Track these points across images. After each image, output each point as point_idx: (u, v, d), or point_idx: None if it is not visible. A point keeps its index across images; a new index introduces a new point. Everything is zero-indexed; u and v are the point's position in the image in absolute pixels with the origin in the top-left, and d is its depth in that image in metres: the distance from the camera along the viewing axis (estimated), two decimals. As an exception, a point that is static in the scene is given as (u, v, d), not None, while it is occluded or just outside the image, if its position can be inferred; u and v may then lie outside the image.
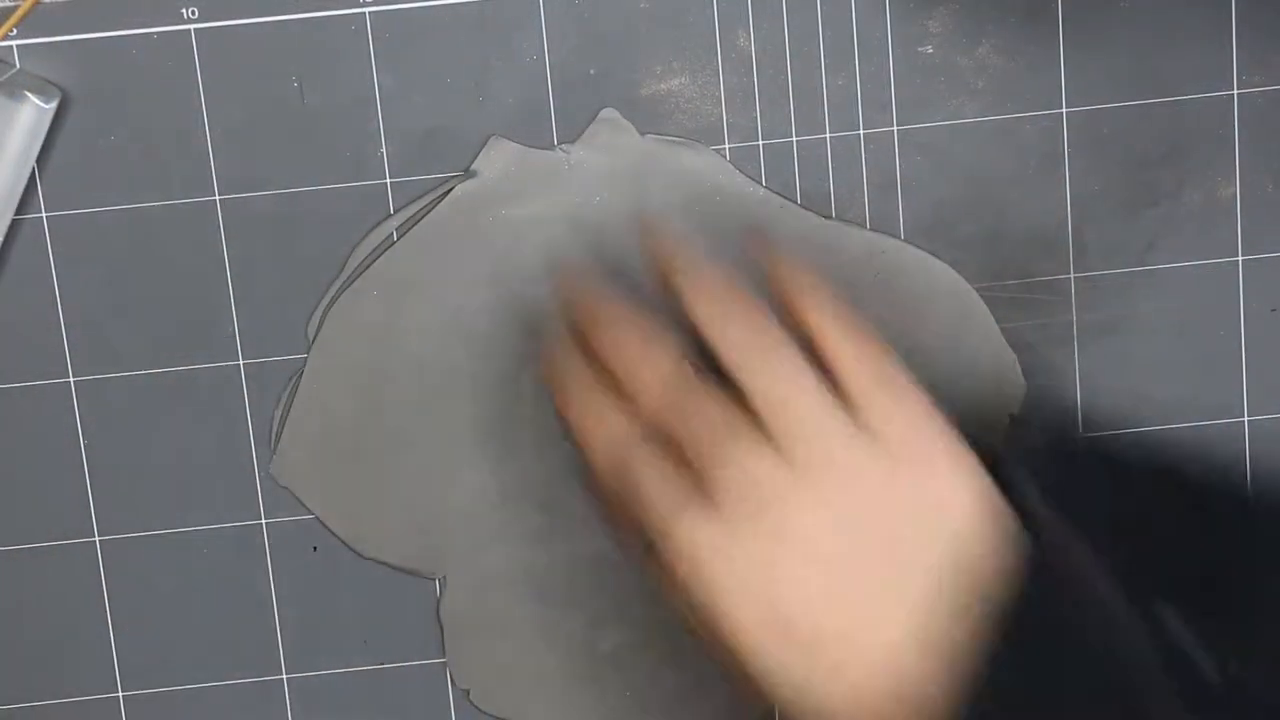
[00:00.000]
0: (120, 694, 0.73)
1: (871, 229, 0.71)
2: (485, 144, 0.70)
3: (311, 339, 0.71)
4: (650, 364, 0.61)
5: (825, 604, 0.57)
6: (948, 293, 0.72)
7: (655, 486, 0.59)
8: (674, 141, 0.70)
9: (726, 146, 0.70)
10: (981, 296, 0.71)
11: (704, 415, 0.59)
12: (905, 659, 0.57)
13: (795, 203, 0.71)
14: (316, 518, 0.72)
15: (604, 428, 0.61)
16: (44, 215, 0.69)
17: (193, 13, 0.68)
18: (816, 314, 0.60)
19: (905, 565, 0.58)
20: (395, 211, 0.70)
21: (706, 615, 0.59)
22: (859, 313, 0.61)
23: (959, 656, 0.57)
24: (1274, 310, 0.72)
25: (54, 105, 0.68)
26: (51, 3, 0.68)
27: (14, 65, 0.68)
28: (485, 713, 0.74)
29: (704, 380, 0.60)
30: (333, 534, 0.72)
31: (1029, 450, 0.69)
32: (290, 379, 0.71)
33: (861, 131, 0.70)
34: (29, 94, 0.67)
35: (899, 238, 0.71)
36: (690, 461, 0.59)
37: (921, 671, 0.57)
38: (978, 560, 0.58)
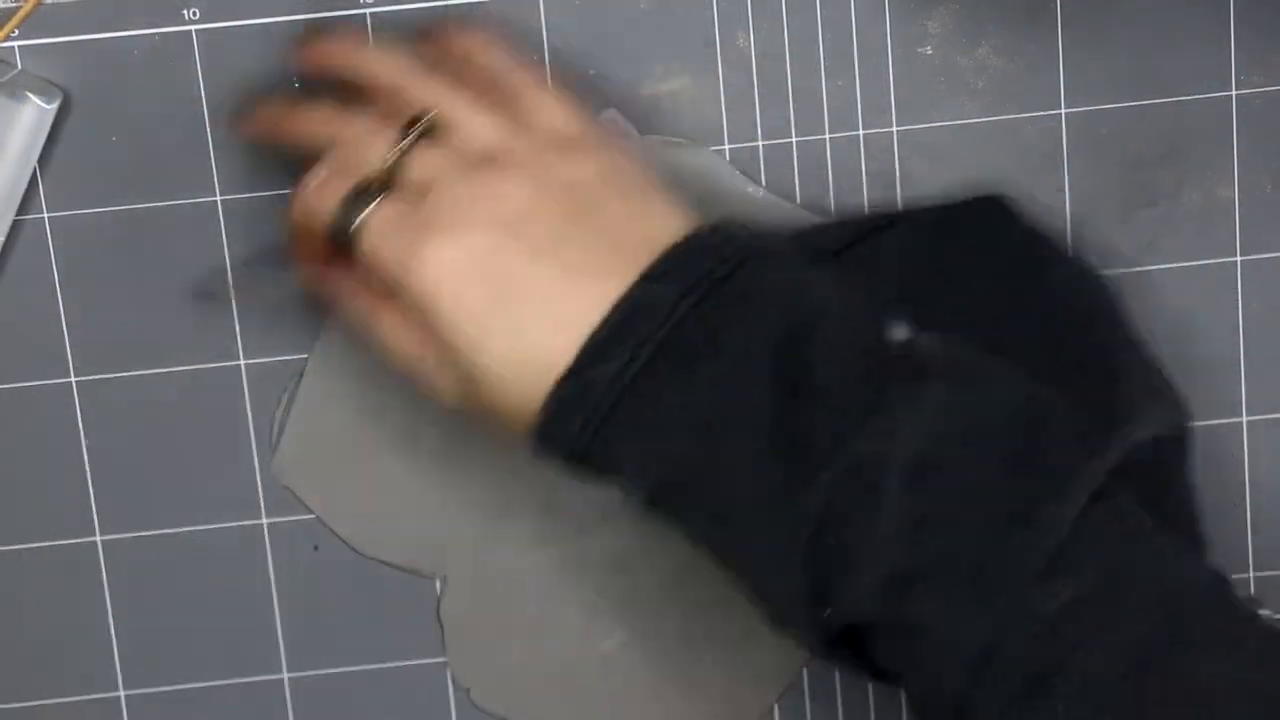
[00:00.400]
0: (122, 693, 0.73)
1: (871, 229, 0.71)
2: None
3: (312, 339, 0.71)
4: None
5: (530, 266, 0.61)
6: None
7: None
8: (674, 142, 0.70)
9: (726, 147, 0.71)
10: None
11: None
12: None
13: (795, 204, 0.71)
14: (317, 517, 0.72)
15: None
16: (45, 215, 0.70)
17: (194, 13, 0.68)
18: (466, 40, 0.66)
19: (602, 239, 0.61)
20: (396, 211, 0.70)
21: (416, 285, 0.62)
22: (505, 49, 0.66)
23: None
24: (1274, 310, 0.72)
25: (55, 106, 0.68)
26: (53, 4, 0.68)
27: (16, 66, 0.68)
28: (485, 713, 0.74)
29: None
30: (333, 533, 0.72)
31: None
32: (290, 379, 0.71)
33: (861, 132, 0.71)
34: (31, 94, 0.67)
35: (898, 238, 0.71)
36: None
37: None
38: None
